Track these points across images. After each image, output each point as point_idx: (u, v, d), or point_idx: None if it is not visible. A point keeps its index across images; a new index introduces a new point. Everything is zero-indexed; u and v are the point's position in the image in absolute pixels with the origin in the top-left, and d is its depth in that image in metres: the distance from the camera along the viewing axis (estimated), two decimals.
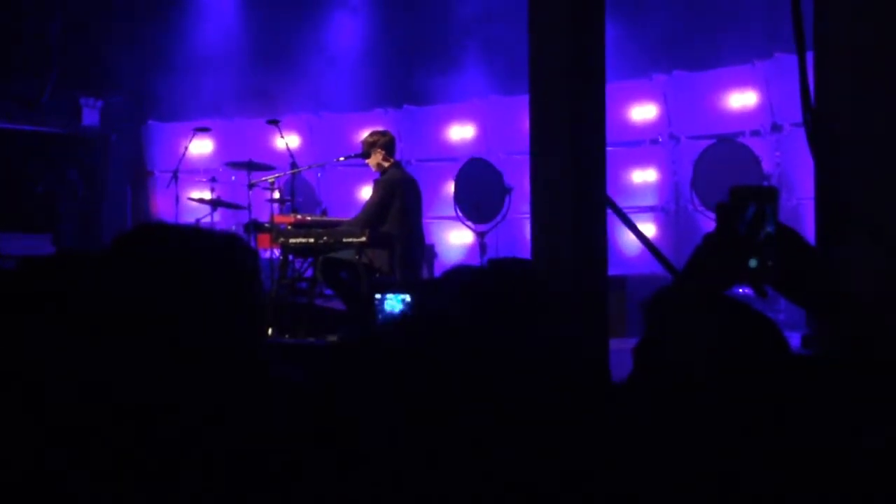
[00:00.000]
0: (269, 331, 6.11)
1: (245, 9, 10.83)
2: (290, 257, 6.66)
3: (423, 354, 1.10)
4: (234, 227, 9.21)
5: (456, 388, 1.07)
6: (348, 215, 7.15)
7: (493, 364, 1.11)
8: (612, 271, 4.75)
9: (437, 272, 8.09)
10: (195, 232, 1.30)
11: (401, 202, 6.49)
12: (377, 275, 6.25)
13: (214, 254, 1.26)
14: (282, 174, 7.61)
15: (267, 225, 7.00)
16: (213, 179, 8.73)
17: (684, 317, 1.33)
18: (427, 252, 7.89)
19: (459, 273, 1.99)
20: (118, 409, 1.09)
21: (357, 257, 6.07)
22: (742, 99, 8.51)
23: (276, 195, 7.39)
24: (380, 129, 7.03)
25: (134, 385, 1.10)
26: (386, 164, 6.68)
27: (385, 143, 6.72)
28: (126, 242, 1.25)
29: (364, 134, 6.92)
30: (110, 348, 1.10)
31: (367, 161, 6.78)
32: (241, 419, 1.16)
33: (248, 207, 7.70)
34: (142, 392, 1.10)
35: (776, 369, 1.28)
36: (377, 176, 6.73)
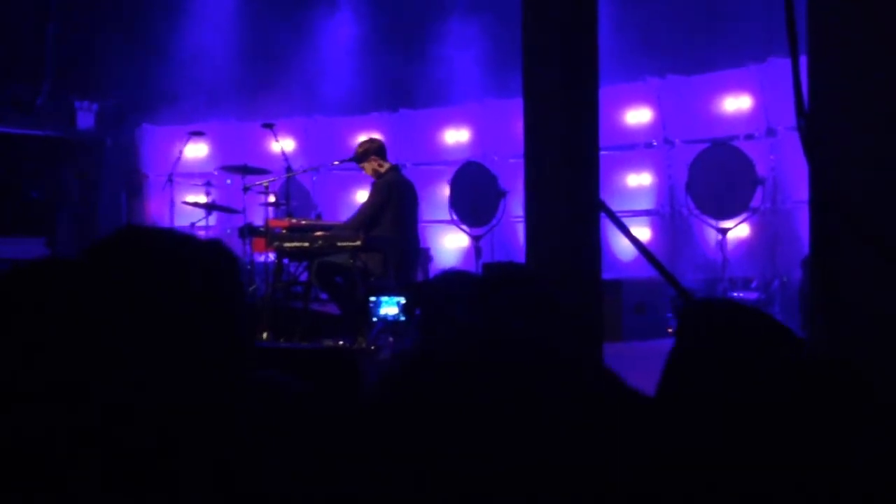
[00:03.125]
0: (265, 335, 6.10)
1: (240, 12, 10.81)
2: (285, 261, 6.65)
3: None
4: (228, 231, 9.21)
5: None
6: (343, 219, 7.14)
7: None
8: (607, 275, 4.74)
9: (432, 276, 8.08)
10: (175, 237, 1.29)
11: (397, 205, 6.49)
12: (372, 278, 6.24)
13: (192, 259, 1.25)
14: (277, 178, 7.60)
15: (262, 229, 6.98)
16: (207, 183, 8.72)
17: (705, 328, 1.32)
18: (422, 256, 7.88)
19: (454, 279, 1.98)
20: (90, 410, 1.08)
21: (352, 261, 6.06)
22: (736, 103, 8.52)
23: (271, 199, 7.38)
24: (368, 136, 7.05)
25: (106, 387, 1.10)
26: (382, 170, 6.68)
27: (376, 148, 6.73)
28: (105, 247, 1.24)
29: (355, 144, 6.93)
30: (84, 351, 1.10)
31: (364, 170, 6.78)
32: (219, 422, 1.16)
33: (243, 211, 7.69)
34: (112, 394, 1.10)
35: (795, 373, 1.28)
36: (374, 179, 6.72)
